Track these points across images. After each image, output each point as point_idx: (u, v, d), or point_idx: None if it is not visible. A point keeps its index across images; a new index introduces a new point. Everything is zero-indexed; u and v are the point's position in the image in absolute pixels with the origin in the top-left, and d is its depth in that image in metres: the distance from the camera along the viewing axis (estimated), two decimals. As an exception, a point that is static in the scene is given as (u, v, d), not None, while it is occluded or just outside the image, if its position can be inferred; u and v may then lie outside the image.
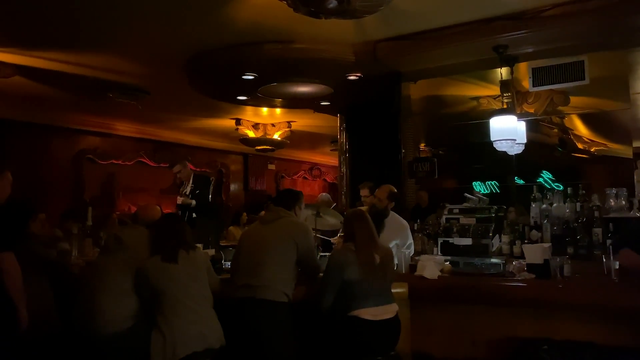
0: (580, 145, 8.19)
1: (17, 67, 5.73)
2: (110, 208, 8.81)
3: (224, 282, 3.56)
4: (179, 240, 3.24)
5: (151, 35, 4.96)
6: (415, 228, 5.31)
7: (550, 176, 9.05)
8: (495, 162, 6.15)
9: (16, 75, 5.90)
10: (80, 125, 8.78)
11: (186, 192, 6.55)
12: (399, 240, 4.36)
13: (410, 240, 4.54)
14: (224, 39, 5.01)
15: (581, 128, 7.86)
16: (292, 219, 3.58)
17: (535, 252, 3.36)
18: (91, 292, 3.24)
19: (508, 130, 4.79)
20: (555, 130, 7.59)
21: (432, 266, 3.54)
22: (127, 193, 9.53)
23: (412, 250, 4.49)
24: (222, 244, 6.15)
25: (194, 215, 6.48)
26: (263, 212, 7.59)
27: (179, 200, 6.51)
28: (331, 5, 3.05)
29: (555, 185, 9.06)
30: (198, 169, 10.10)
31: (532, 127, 6.04)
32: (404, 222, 4.59)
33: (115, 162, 9.40)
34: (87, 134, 8.99)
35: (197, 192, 6.48)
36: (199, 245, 3.94)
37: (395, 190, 4.61)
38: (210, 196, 6.57)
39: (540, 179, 9.06)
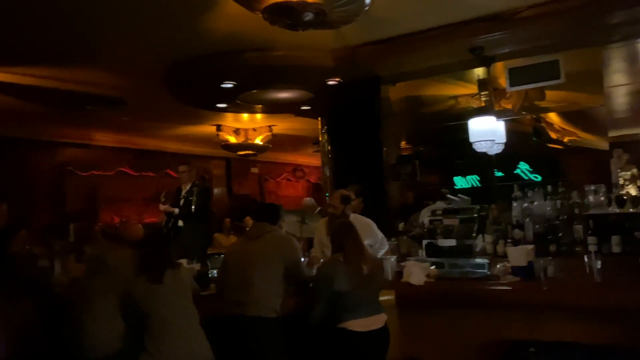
0: (553, 135, 8.32)
1: (-6, 84, 5.64)
2: (92, 220, 8.70)
3: (210, 297, 3.55)
4: (165, 260, 3.20)
5: (128, 46, 4.91)
6: (400, 229, 5.36)
7: (528, 167, 9.17)
8: (475, 157, 6.21)
9: (-7, 92, 5.81)
10: (59, 138, 8.68)
11: (181, 197, 6.41)
12: (369, 239, 4.31)
13: (380, 235, 4.49)
14: (202, 48, 4.98)
15: (552, 116, 7.99)
16: (278, 233, 3.62)
17: (519, 255, 3.41)
18: (77, 315, 3.20)
19: (487, 131, 4.86)
20: (529, 118, 7.69)
21: (419, 272, 3.57)
22: (110, 204, 9.43)
23: (386, 246, 4.52)
24: (208, 251, 6.13)
25: (180, 223, 6.40)
26: (247, 219, 7.64)
27: (162, 208, 6.42)
28: (308, 18, 3.05)
29: (533, 177, 9.20)
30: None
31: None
32: (368, 220, 4.51)
33: (97, 172, 9.29)
34: (67, 146, 8.89)
35: (195, 199, 6.32)
36: (183, 261, 3.92)
37: (346, 193, 4.51)
38: (193, 206, 6.45)
39: (518, 170, 9.18)
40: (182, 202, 6.33)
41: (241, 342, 3.23)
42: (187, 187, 6.40)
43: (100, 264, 3.34)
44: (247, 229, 4.49)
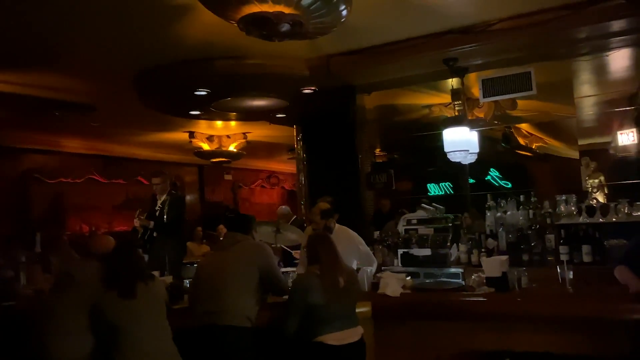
0: (522, 141, 8.48)
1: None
2: (59, 229, 8.46)
3: (182, 311, 3.46)
4: (136, 273, 3.10)
5: (98, 51, 4.80)
6: (376, 237, 5.36)
7: (498, 174, 9.33)
8: (448, 164, 6.27)
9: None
10: (25, 144, 8.42)
11: (155, 208, 6.22)
12: (356, 256, 4.26)
13: (365, 250, 4.37)
14: (174, 55, 4.91)
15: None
16: (250, 241, 3.54)
17: (493, 265, 3.43)
18: (42, 333, 3.06)
19: (461, 142, 4.91)
20: (500, 124, 7.81)
21: (395, 283, 3.56)
22: (78, 212, 9.19)
23: (374, 262, 4.37)
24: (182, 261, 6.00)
25: (155, 234, 6.21)
26: (220, 227, 7.53)
27: (136, 223, 6.19)
28: (284, 29, 3.02)
29: (504, 183, 9.35)
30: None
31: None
32: (352, 233, 4.41)
33: (64, 180, 9.05)
34: (33, 152, 8.64)
35: (167, 211, 6.09)
36: (155, 273, 3.81)
37: (327, 207, 4.33)
38: (182, 219, 6.27)
39: (489, 177, 9.32)
40: (157, 212, 6.16)
41: (214, 354, 3.16)
42: (162, 198, 6.24)
43: (68, 279, 3.21)
44: (221, 238, 4.38)
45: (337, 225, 4.36)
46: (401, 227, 4.57)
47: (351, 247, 4.19)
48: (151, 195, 6.37)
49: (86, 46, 4.65)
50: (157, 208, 6.11)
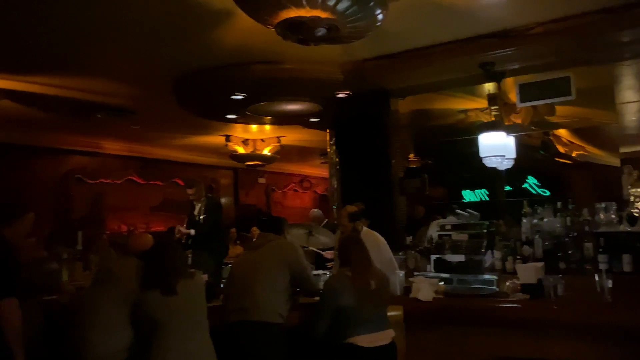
0: (561, 149, 8.28)
1: (6, 92, 5.70)
2: (99, 228, 8.72)
3: (216, 309, 3.53)
4: (177, 271, 3.17)
5: (139, 57, 4.96)
6: (408, 243, 5.33)
7: (536, 181, 9.13)
8: (484, 171, 6.18)
9: (4, 99, 5.86)
10: (68, 145, 8.73)
11: (194, 214, 6.39)
12: (377, 261, 4.17)
13: (388, 256, 4.34)
14: (212, 60, 5.02)
15: (561, 129, 7.95)
16: (282, 241, 3.63)
17: (528, 272, 3.38)
18: (81, 326, 3.18)
19: (497, 147, 4.84)
20: (537, 130, 7.66)
21: (427, 288, 3.54)
22: (117, 212, 9.44)
23: (396, 268, 4.28)
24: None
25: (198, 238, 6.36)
26: (253, 229, 7.62)
27: (178, 234, 6.36)
28: (320, 34, 3.06)
29: (541, 191, 9.15)
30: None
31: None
32: (378, 237, 4.40)
33: (104, 181, 9.32)
34: (76, 153, 8.94)
35: (205, 217, 6.29)
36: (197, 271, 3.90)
37: (355, 209, 4.40)
38: (220, 222, 6.43)
39: (526, 184, 9.13)
40: (196, 218, 6.33)
41: (246, 349, 3.22)
42: (199, 205, 6.41)
43: (108, 274, 3.33)
44: (254, 239, 4.47)
45: (365, 228, 4.38)
46: (434, 233, 4.55)
47: (375, 251, 4.13)
48: (189, 202, 6.54)
49: (128, 52, 4.81)
50: (195, 214, 6.29)
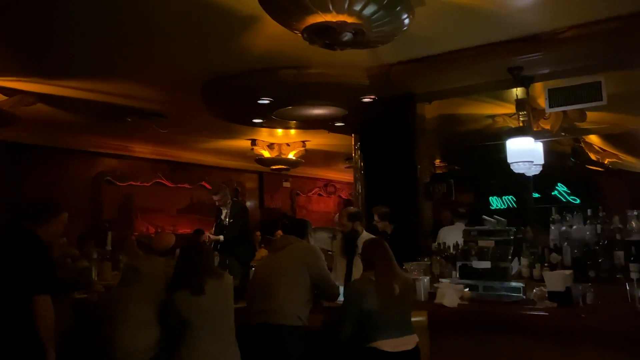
0: (593, 156, 8.10)
1: (39, 96, 5.87)
2: (128, 229, 8.89)
3: (239, 310, 3.56)
4: (207, 271, 3.22)
5: (168, 62, 5.05)
6: (434, 249, 5.28)
7: (566, 189, 8.95)
8: (512, 177, 6.09)
9: (38, 103, 6.04)
10: (98, 148, 8.94)
11: (222, 219, 6.49)
12: None
13: None
14: (240, 65, 5.09)
15: (592, 136, 7.79)
16: (303, 244, 3.63)
17: (556, 279, 3.31)
18: (110, 324, 3.26)
19: (525, 152, 4.77)
20: (568, 137, 7.53)
21: (452, 293, 3.51)
22: (145, 214, 9.62)
23: None
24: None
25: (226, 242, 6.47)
26: (278, 232, 7.67)
27: (207, 240, 6.45)
28: (346, 38, 3.08)
29: (571, 199, 8.97)
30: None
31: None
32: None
33: (134, 183, 9.51)
34: (106, 156, 9.14)
35: (232, 221, 6.40)
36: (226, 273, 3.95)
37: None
38: (247, 225, 6.52)
39: (556, 192, 8.97)
40: (224, 223, 6.43)
41: (266, 350, 3.25)
42: (225, 210, 6.50)
43: (135, 273, 3.40)
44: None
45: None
46: (447, 239, 4.51)
47: None
48: (216, 208, 6.64)
49: (159, 57, 4.91)
50: (223, 218, 6.41)
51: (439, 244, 5.10)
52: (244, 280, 4.42)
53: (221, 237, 6.31)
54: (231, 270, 5.00)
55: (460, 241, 4.93)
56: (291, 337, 3.27)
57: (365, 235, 4.34)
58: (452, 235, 5.22)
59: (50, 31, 4.27)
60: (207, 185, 10.51)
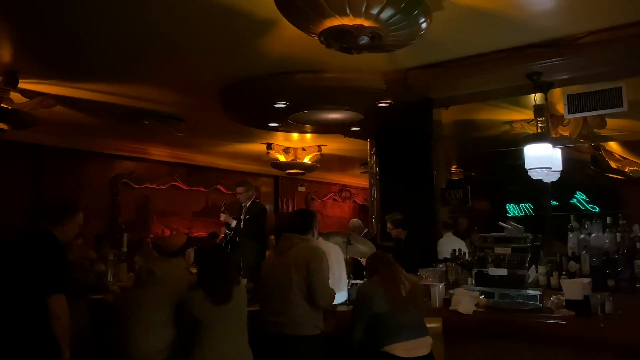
0: (613, 164, 7.95)
1: (59, 98, 5.96)
2: (144, 231, 8.97)
3: (253, 313, 3.55)
4: (231, 280, 3.22)
5: (186, 66, 5.09)
6: (450, 256, 5.24)
7: (585, 197, 8.79)
8: (530, 184, 5.99)
9: (57, 105, 6.13)
10: (116, 151, 9.03)
11: (239, 216, 6.56)
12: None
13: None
14: (257, 69, 5.11)
15: (613, 144, 7.65)
16: (307, 244, 3.45)
17: (574, 288, 3.26)
18: (125, 324, 3.28)
19: (543, 158, 4.70)
20: (587, 145, 7.41)
21: (467, 300, 3.48)
22: (161, 216, 9.70)
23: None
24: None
25: (237, 239, 6.52)
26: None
27: (222, 217, 6.54)
28: (363, 42, 3.07)
29: (591, 207, 8.81)
30: (230, 192, 10.17)
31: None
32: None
33: (150, 186, 9.59)
34: (123, 158, 9.23)
35: (248, 217, 6.45)
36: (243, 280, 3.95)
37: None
38: (262, 229, 6.53)
39: (574, 200, 8.81)
40: (242, 219, 6.47)
41: None
42: (247, 205, 6.52)
43: (149, 275, 3.42)
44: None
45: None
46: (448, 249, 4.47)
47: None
48: (239, 204, 6.67)
49: (176, 61, 4.94)
50: (242, 214, 6.43)
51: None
52: (255, 283, 4.40)
53: (234, 222, 6.36)
54: (243, 271, 5.01)
55: (461, 249, 4.96)
56: (310, 347, 3.25)
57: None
58: (446, 247, 5.22)
59: (70, 34, 4.32)
60: (222, 189, 10.56)
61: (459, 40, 4.37)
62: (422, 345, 3.06)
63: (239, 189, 6.57)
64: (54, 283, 3.05)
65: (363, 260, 5.42)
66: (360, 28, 2.98)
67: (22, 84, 5.42)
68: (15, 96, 5.55)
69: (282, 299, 3.30)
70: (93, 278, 4.81)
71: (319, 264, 3.33)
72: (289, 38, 4.20)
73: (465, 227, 6.83)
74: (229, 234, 6.45)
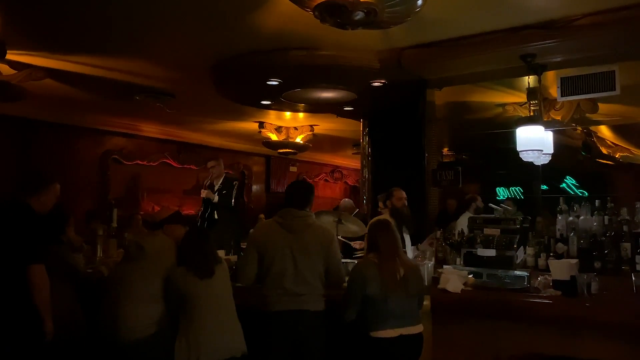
0: (604, 150, 8.02)
1: (48, 71, 5.85)
2: (134, 208, 8.93)
3: (244, 289, 3.53)
4: (214, 258, 3.29)
5: (178, 41, 5.01)
6: (439, 236, 5.28)
7: (574, 182, 8.87)
8: (520, 168, 6.02)
9: (47, 78, 6.03)
10: (106, 126, 8.93)
11: (216, 190, 6.66)
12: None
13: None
14: (250, 45, 5.04)
15: (605, 131, 7.70)
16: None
17: (561, 268, 3.30)
18: (114, 299, 3.29)
19: (535, 141, 4.72)
20: (579, 131, 7.45)
21: (456, 279, 3.50)
22: (151, 194, 9.65)
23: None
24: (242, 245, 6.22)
25: (216, 215, 6.58)
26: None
27: (203, 193, 6.65)
28: (358, 17, 3.04)
29: (580, 192, 8.90)
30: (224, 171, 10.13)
31: (555, 128, 5.95)
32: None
33: (140, 162, 9.51)
34: (113, 134, 9.14)
35: (224, 192, 6.59)
36: (221, 253, 3.97)
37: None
38: (232, 199, 6.61)
39: (564, 185, 8.89)
40: (216, 195, 6.58)
41: (299, 336, 3.23)
42: (220, 181, 6.66)
43: (138, 250, 3.41)
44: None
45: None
46: (464, 226, 4.48)
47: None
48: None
49: (168, 35, 4.86)
50: (216, 190, 6.61)
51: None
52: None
53: (215, 197, 6.51)
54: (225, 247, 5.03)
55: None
56: (323, 321, 3.31)
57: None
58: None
59: (60, 5, 4.23)
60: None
61: (454, 19, 4.33)
62: (411, 332, 3.07)
63: (211, 163, 6.79)
64: (32, 253, 3.05)
65: (353, 243, 5.46)
66: (355, 3, 2.95)
67: (10, 55, 5.30)
68: (3, 68, 5.45)
69: (296, 274, 3.25)
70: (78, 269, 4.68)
71: (336, 247, 3.49)
72: (282, 13, 4.14)
73: (454, 208, 6.87)
74: (207, 211, 6.52)
